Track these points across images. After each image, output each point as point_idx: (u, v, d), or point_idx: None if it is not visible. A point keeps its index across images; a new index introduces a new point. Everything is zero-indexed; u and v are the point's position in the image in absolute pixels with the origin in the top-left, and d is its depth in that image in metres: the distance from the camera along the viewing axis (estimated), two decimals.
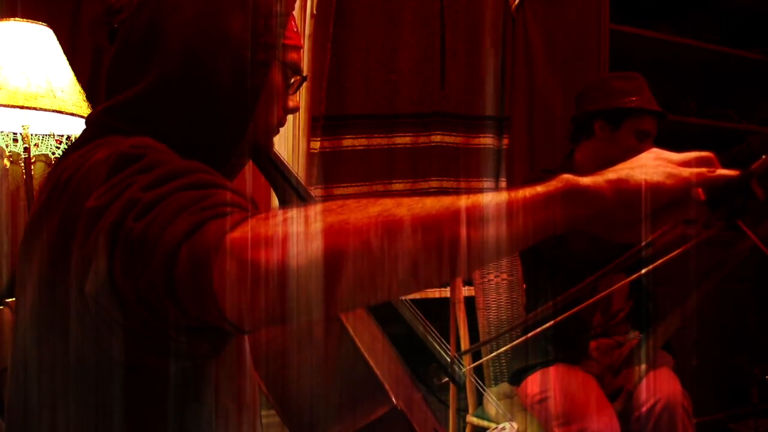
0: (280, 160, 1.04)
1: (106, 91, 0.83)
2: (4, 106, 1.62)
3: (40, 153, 1.92)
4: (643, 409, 1.72)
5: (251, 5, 0.80)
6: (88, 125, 0.81)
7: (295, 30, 0.89)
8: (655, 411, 1.71)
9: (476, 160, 2.65)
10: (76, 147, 0.79)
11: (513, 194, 0.57)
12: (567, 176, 0.59)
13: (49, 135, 1.90)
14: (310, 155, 2.35)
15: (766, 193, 0.61)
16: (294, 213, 0.56)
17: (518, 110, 2.66)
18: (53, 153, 1.92)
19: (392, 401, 0.90)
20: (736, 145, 1.97)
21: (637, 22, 2.97)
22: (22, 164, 1.77)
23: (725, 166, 1.92)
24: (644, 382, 1.76)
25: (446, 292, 2.17)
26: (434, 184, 2.57)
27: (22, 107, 1.62)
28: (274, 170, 1.02)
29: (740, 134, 3.05)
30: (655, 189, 0.59)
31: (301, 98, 2.32)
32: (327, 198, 2.37)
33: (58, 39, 1.78)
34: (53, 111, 1.65)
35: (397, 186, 2.51)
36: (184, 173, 0.63)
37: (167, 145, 0.73)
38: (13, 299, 1.16)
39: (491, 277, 2.17)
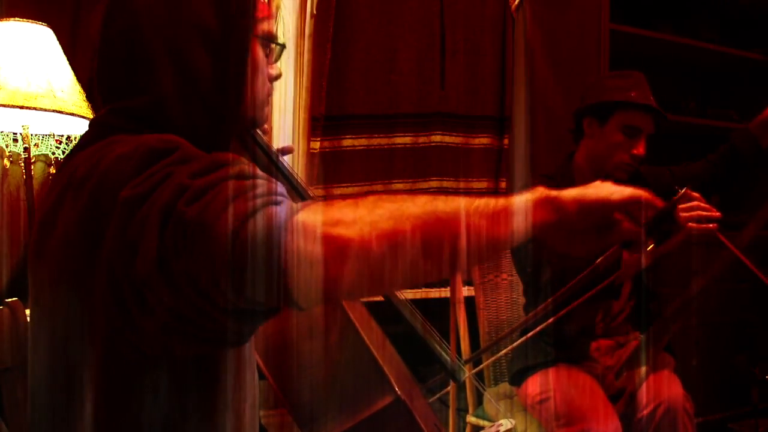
0: (261, 137, 1.05)
1: (102, 93, 0.87)
2: (4, 106, 1.61)
3: (40, 153, 1.91)
4: (645, 412, 1.71)
5: None
6: (94, 126, 0.85)
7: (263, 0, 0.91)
8: (657, 414, 1.70)
9: (476, 160, 2.64)
10: (81, 147, 0.82)
11: (497, 201, 0.68)
12: (540, 188, 0.72)
13: (49, 135, 1.90)
14: (310, 155, 2.35)
15: (686, 221, 0.78)
16: (350, 201, 0.64)
17: (518, 110, 2.66)
18: (53, 153, 1.92)
19: (396, 392, 0.90)
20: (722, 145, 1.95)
21: (637, 22, 2.97)
22: (22, 164, 1.77)
23: (718, 164, 1.98)
24: (645, 384, 1.76)
25: (446, 292, 2.17)
26: (434, 184, 2.56)
27: (22, 107, 1.62)
28: (256, 146, 1.04)
29: None
30: (604, 200, 0.74)
31: (301, 98, 2.32)
32: (327, 198, 2.37)
33: (58, 39, 1.78)
34: (53, 111, 1.65)
35: (397, 186, 2.50)
36: (226, 163, 0.68)
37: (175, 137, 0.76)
38: (14, 299, 1.15)
39: (491, 277, 2.17)
